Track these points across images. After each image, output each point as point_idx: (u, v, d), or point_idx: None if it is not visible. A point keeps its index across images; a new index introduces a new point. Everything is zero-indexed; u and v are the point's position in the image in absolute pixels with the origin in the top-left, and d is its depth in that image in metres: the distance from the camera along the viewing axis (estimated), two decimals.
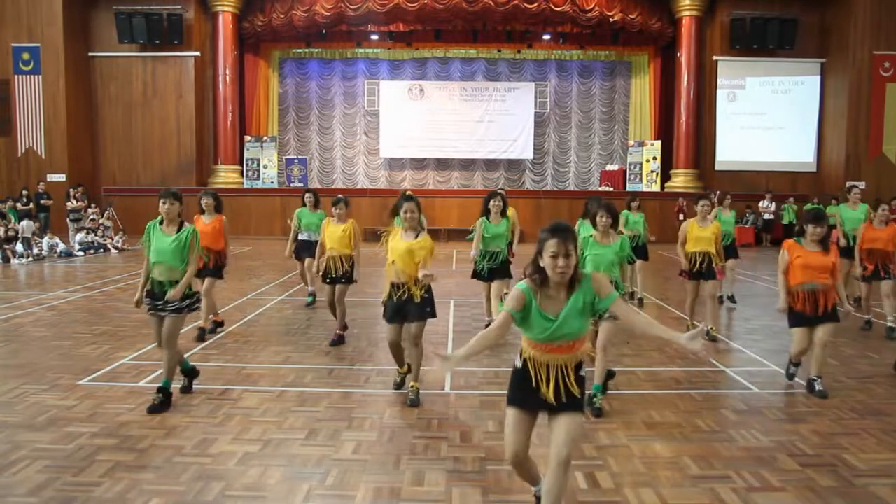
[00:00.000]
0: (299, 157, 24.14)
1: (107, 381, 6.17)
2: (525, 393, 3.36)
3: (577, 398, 3.33)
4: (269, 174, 22.87)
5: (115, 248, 17.45)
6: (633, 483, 4.21)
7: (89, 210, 18.30)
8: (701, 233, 7.99)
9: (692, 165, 22.28)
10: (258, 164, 22.86)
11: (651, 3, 21.88)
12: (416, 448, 4.73)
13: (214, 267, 7.87)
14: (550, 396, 3.29)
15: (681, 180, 22.24)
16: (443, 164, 25.20)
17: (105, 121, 21.83)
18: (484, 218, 7.99)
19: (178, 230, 5.61)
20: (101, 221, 18.18)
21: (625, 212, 10.34)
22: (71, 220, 17.95)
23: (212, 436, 4.89)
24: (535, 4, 20.73)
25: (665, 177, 22.95)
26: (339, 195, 8.01)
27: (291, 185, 22.85)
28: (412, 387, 5.68)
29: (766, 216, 20.61)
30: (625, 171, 23.55)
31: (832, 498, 4.05)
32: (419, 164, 25.20)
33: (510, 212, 8.59)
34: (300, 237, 9.90)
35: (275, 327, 8.66)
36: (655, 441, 4.90)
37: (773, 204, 20.63)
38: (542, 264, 3.19)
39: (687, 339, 3.15)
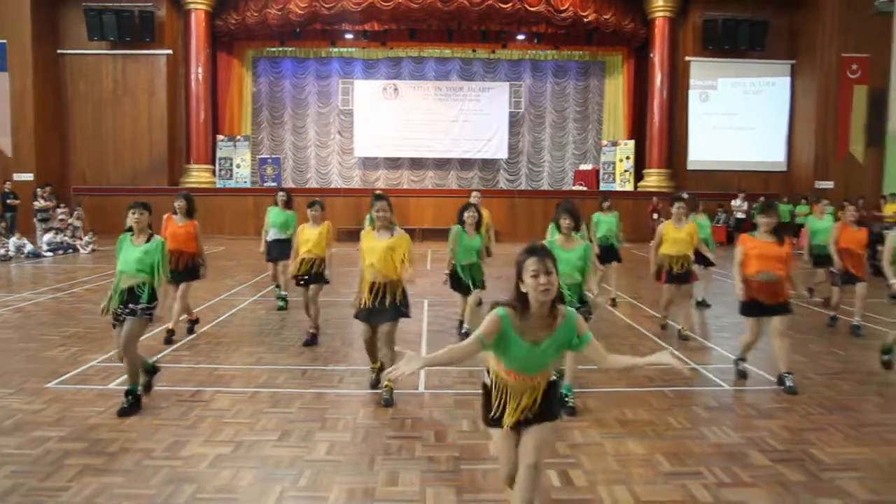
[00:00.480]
0: (273, 156, 23.96)
1: (75, 384, 6.07)
2: (501, 412, 3.32)
3: (550, 410, 3.32)
4: (243, 174, 22.67)
5: (85, 248, 17.18)
6: (607, 481, 4.24)
7: (58, 210, 18.00)
8: (677, 234, 8.04)
9: (665, 165, 22.48)
10: (231, 164, 22.65)
11: (624, 3, 22.04)
12: (390, 448, 4.72)
13: (185, 269, 7.77)
14: (511, 421, 3.26)
15: (654, 180, 22.43)
16: (417, 164, 25.18)
17: (74, 119, 21.47)
18: (459, 228, 7.93)
19: (147, 241, 5.58)
20: (70, 221, 17.89)
21: (595, 214, 10.35)
22: (39, 221, 17.63)
23: (183, 438, 4.84)
24: (510, 4, 20.77)
25: (638, 176, 23.13)
26: (315, 198, 7.99)
27: (265, 184, 22.67)
28: (386, 386, 5.66)
29: (739, 215, 20.83)
30: (598, 171, 23.69)
31: (801, 492, 4.11)
32: (394, 163, 25.15)
33: (485, 216, 8.60)
34: (268, 237, 9.82)
35: (248, 328, 8.59)
36: (628, 439, 4.93)
37: (746, 203, 20.87)
38: (523, 288, 3.06)
39: (656, 358, 3.16)
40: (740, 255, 6.17)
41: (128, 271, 5.47)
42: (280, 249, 9.62)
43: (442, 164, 25.14)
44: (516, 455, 3.31)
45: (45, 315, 9.21)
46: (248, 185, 22.48)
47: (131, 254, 5.50)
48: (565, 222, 5.66)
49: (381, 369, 5.86)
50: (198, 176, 21.95)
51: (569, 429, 5.08)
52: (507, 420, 3.26)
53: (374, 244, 5.65)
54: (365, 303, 5.69)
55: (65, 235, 17.11)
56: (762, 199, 20.97)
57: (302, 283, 7.68)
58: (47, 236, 16.72)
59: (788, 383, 6.00)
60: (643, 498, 4.02)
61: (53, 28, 21.09)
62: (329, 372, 6.61)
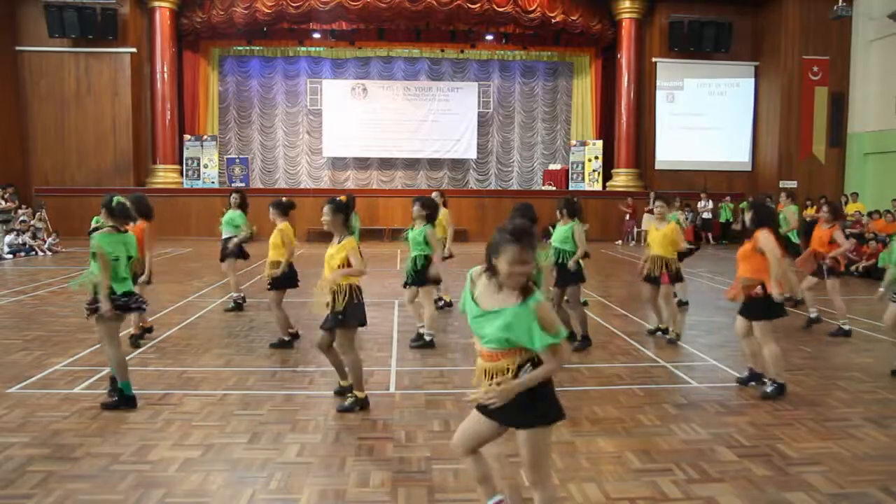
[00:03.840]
0: (241, 156, 23.72)
1: (39, 389, 5.95)
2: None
3: (526, 413, 3.11)
4: (210, 174, 22.42)
5: (49, 250, 16.82)
6: (578, 478, 4.27)
7: (20, 211, 17.61)
8: (654, 235, 8.05)
9: (633, 165, 22.72)
10: (198, 164, 22.38)
11: (592, 5, 22.21)
12: (360, 449, 4.70)
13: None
14: (473, 398, 3.15)
15: (622, 179, 22.65)
16: (386, 164, 25.12)
17: (36, 119, 20.98)
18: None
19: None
20: (32, 223, 17.51)
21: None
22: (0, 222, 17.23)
23: (151, 442, 4.77)
24: (478, 5, 20.82)
25: (607, 176, 23.34)
26: (282, 198, 7.92)
27: (233, 184, 22.43)
28: (350, 396, 5.53)
29: (705, 215, 21.14)
30: (567, 171, 23.87)
31: (767, 486, 4.18)
32: (363, 163, 25.06)
33: (441, 214, 8.62)
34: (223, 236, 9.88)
35: (216, 330, 8.49)
36: (599, 437, 4.97)
37: (711, 203, 21.18)
38: (497, 265, 2.98)
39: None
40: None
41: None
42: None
43: (411, 164, 25.12)
44: (477, 431, 3.30)
45: (7, 318, 9.00)
46: (216, 186, 22.22)
47: None
48: None
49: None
50: (164, 176, 21.64)
51: None
52: (472, 396, 3.14)
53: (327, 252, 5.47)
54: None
55: (27, 237, 16.73)
56: (727, 198, 21.35)
57: (270, 287, 7.64)
58: (8, 238, 16.34)
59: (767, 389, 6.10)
60: (614, 495, 4.06)
61: (11, 24, 20.58)
62: (299, 373, 6.56)
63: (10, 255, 15.82)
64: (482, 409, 3.21)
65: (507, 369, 3.09)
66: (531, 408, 3.12)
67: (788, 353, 7.38)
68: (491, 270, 3.05)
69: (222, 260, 9.88)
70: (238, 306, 9.70)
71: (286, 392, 5.95)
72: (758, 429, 5.15)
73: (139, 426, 5.07)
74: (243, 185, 22.37)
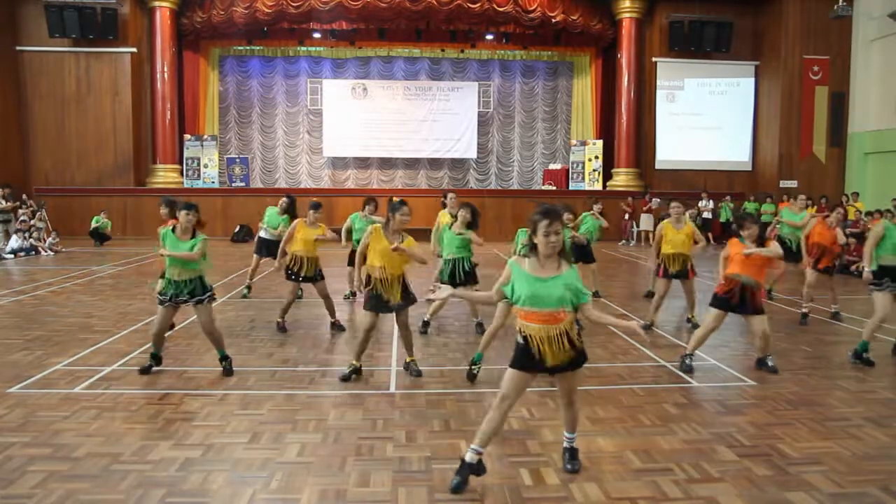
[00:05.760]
0: (241, 156, 23.74)
1: (39, 389, 5.94)
2: (527, 360, 4.03)
3: (576, 358, 4.09)
4: (210, 174, 22.43)
5: (49, 250, 16.81)
6: (578, 478, 4.26)
7: (20, 211, 17.61)
8: (675, 236, 8.43)
9: (633, 164, 22.71)
10: (198, 164, 22.39)
11: (592, 4, 22.21)
12: (361, 449, 4.70)
13: None
14: (552, 361, 3.99)
15: (622, 179, 22.65)
16: (386, 164, 25.13)
17: (36, 118, 20.99)
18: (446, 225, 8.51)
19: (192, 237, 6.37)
20: (32, 223, 17.51)
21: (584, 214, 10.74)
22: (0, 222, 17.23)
23: (152, 442, 4.77)
24: (479, 4, 20.82)
25: (607, 176, 23.34)
26: (316, 200, 8.55)
27: (233, 184, 22.46)
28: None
29: (705, 214, 21.11)
30: (567, 171, 23.87)
31: (767, 486, 4.18)
32: (363, 163, 25.07)
33: (439, 217, 8.86)
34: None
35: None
36: (599, 436, 4.97)
37: (711, 202, 21.16)
38: (535, 241, 3.95)
39: (625, 325, 4.21)
40: (726, 252, 6.78)
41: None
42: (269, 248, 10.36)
43: (411, 163, 25.13)
44: (521, 388, 4.13)
45: (8, 318, 9.00)
46: (216, 186, 22.24)
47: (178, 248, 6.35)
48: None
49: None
50: (164, 176, 21.66)
51: (540, 427, 5.11)
52: (547, 358, 3.98)
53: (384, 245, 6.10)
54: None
55: (28, 237, 16.72)
56: (728, 197, 21.33)
57: (295, 277, 8.20)
58: (13, 240, 16.29)
59: (770, 363, 6.69)
60: (614, 495, 4.06)
61: (11, 24, 20.60)
62: (299, 373, 6.56)
63: (11, 255, 15.82)
64: (543, 369, 4.06)
65: (569, 323, 4.02)
66: (582, 354, 4.17)
67: (789, 353, 7.38)
68: (532, 248, 3.99)
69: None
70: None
71: (286, 392, 5.95)
72: (758, 428, 5.15)
73: (140, 426, 5.07)
74: (243, 184, 22.39)
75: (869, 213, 16.83)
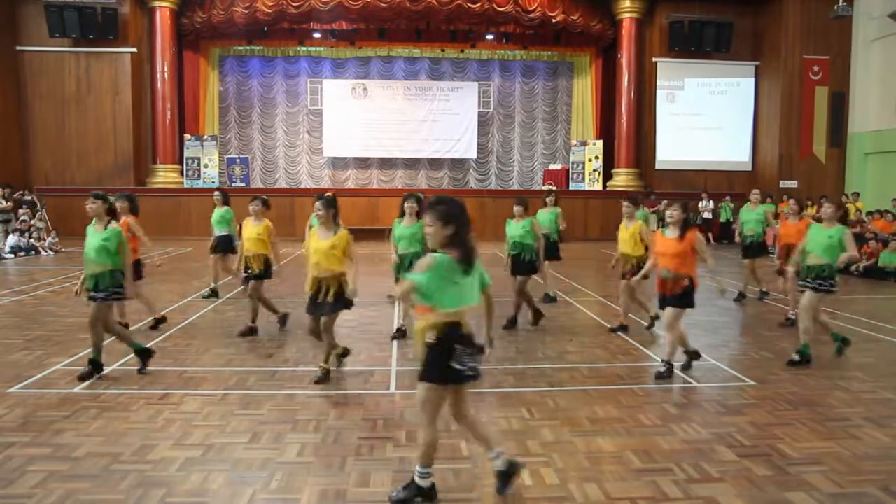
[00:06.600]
0: (241, 156, 23.73)
1: (39, 388, 5.95)
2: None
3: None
4: (210, 174, 22.42)
5: (49, 250, 16.80)
6: (578, 478, 4.27)
7: (20, 211, 17.61)
8: (622, 234, 8.38)
9: (633, 165, 22.70)
10: (198, 164, 22.38)
11: (592, 4, 22.20)
12: (361, 449, 4.70)
13: None
14: None
15: (622, 179, 22.64)
16: (387, 164, 25.12)
17: (36, 118, 20.98)
18: (398, 219, 8.06)
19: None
20: (32, 223, 17.51)
21: (538, 211, 10.25)
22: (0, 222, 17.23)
23: (152, 441, 4.77)
24: (479, 4, 20.82)
25: (607, 176, 23.33)
26: (260, 195, 8.37)
27: (233, 184, 22.46)
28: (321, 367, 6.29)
29: (706, 215, 21.11)
30: (567, 171, 23.87)
31: (768, 486, 4.18)
32: (363, 163, 25.06)
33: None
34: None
35: (217, 329, 8.49)
36: (599, 436, 4.97)
37: (712, 202, 21.16)
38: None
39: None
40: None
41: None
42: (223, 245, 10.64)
43: (411, 163, 25.12)
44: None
45: (8, 318, 9.01)
46: (217, 186, 22.20)
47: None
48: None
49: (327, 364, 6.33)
50: (165, 176, 21.64)
51: (540, 427, 5.11)
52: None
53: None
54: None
55: (30, 237, 16.72)
56: (728, 197, 21.33)
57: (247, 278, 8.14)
58: (11, 239, 16.30)
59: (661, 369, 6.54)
60: (614, 495, 4.06)
61: (11, 24, 20.58)
62: (299, 373, 6.56)
63: (11, 255, 15.82)
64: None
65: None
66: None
67: (788, 354, 7.37)
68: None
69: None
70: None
71: (286, 392, 5.95)
72: (758, 428, 5.15)
73: (140, 426, 5.07)
74: (243, 184, 22.42)
75: (870, 213, 16.84)
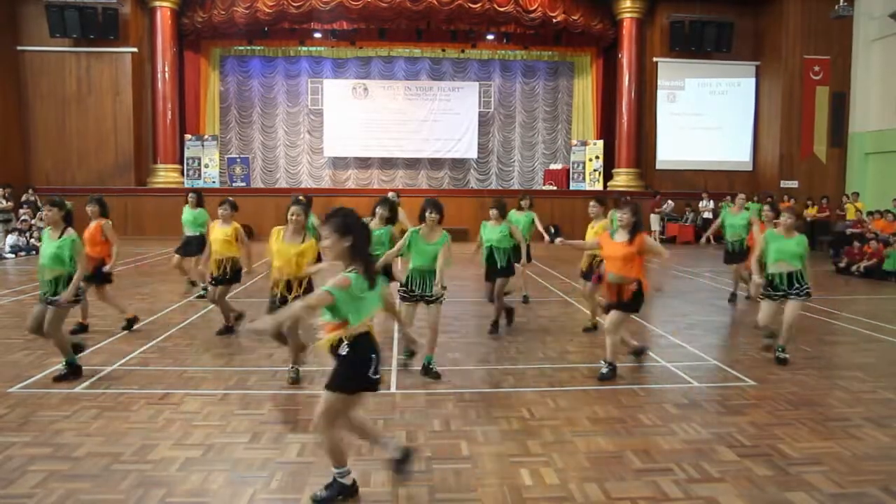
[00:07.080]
0: (241, 156, 23.74)
1: (40, 388, 5.95)
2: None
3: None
4: (211, 174, 22.43)
5: None
6: (578, 478, 4.26)
7: (20, 211, 17.61)
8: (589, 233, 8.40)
9: (634, 165, 22.69)
10: (199, 164, 22.39)
11: (593, 4, 22.20)
12: (361, 449, 4.70)
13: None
14: None
15: (623, 179, 22.63)
16: (387, 164, 25.13)
17: (36, 118, 20.98)
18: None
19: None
20: (32, 223, 17.51)
21: (511, 212, 9.91)
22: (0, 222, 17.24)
23: (152, 441, 4.77)
24: (479, 4, 20.82)
25: (607, 176, 23.33)
26: (228, 196, 8.32)
27: (234, 184, 22.47)
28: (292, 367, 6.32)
29: (706, 215, 21.10)
30: (568, 171, 23.87)
31: (768, 486, 4.18)
32: (363, 163, 25.07)
33: (400, 215, 8.75)
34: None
35: (216, 329, 8.48)
36: (599, 436, 4.97)
37: (712, 202, 21.16)
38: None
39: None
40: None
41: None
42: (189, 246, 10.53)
43: (412, 163, 25.13)
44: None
45: (8, 318, 9.02)
46: (217, 185, 22.23)
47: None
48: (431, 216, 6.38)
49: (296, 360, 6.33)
50: (165, 176, 21.65)
51: (541, 427, 5.11)
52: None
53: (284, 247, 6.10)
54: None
55: (30, 237, 16.72)
56: (728, 197, 21.31)
57: (214, 283, 8.06)
58: (11, 238, 16.31)
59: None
60: (614, 495, 4.05)
61: (12, 24, 20.57)
62: (300, 373, 6.55)
63: (12, 255, 15.83)
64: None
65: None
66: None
67: (788, 353, 7.38)
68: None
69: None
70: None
71: (287, 392, 5.95)
72: (758, 428, 5.15)
73: (140, 426, 5.07)
74: (244, 184, 22.44)
75: (870, 213, 16.84)
